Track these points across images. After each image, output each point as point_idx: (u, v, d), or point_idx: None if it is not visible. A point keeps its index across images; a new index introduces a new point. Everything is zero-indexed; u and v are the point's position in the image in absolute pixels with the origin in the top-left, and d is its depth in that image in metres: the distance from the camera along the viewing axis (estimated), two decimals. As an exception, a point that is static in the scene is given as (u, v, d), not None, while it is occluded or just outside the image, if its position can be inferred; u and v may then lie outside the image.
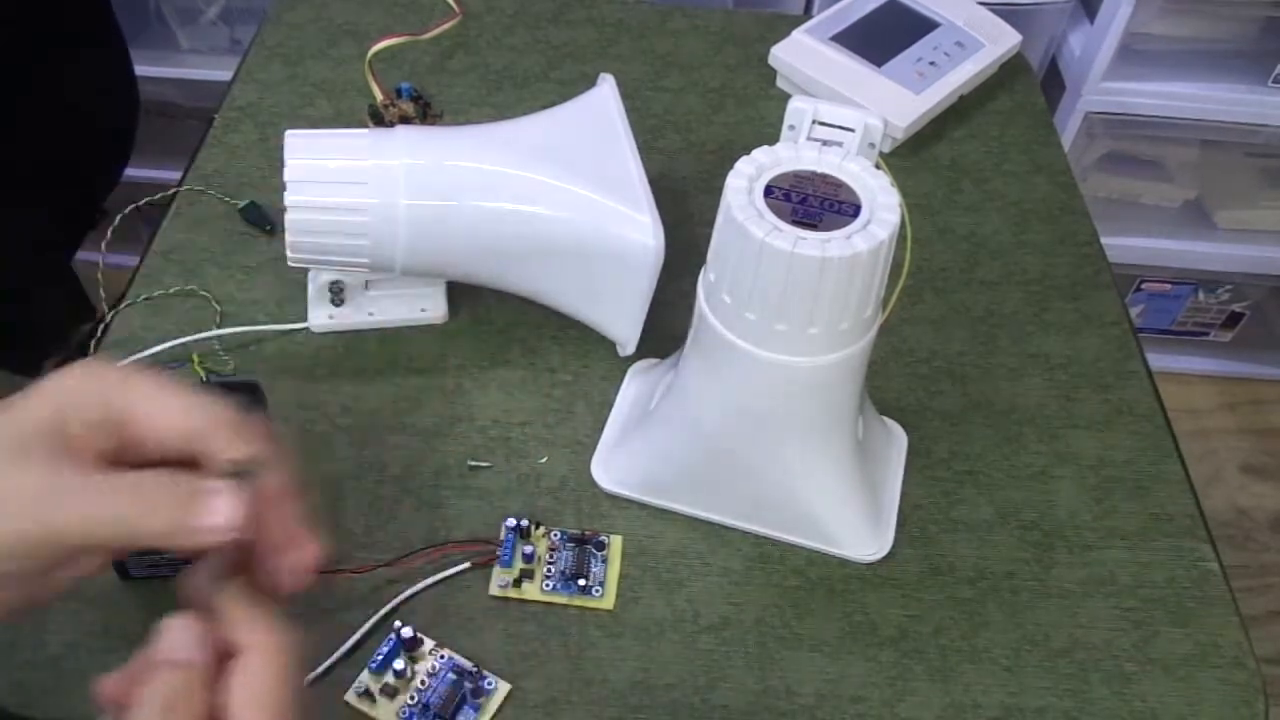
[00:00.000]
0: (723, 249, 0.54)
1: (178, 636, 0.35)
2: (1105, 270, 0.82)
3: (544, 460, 0.67)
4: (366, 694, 0.56)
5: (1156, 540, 0.66)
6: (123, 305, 0.73)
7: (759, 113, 0.92)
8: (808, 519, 0.63)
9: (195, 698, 0.34)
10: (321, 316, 0.72)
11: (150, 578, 0.59)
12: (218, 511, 0.36)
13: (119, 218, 0.78)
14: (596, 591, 0.61)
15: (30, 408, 0.36)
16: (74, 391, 0.37)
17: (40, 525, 0.35)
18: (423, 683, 0.56)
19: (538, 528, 0.63)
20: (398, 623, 0.57)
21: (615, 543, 0.63)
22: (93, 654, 0.57)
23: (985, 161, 0.90)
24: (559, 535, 0.63)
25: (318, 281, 0.73)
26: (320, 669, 0.57)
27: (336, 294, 0.72)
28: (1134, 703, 0.59)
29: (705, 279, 0.57)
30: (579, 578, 0.61)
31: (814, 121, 0.62)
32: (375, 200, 0.64)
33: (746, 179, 0.53)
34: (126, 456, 0.37)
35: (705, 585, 0.62)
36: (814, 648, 0.60)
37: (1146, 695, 0.59)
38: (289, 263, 0.66)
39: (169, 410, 0.37)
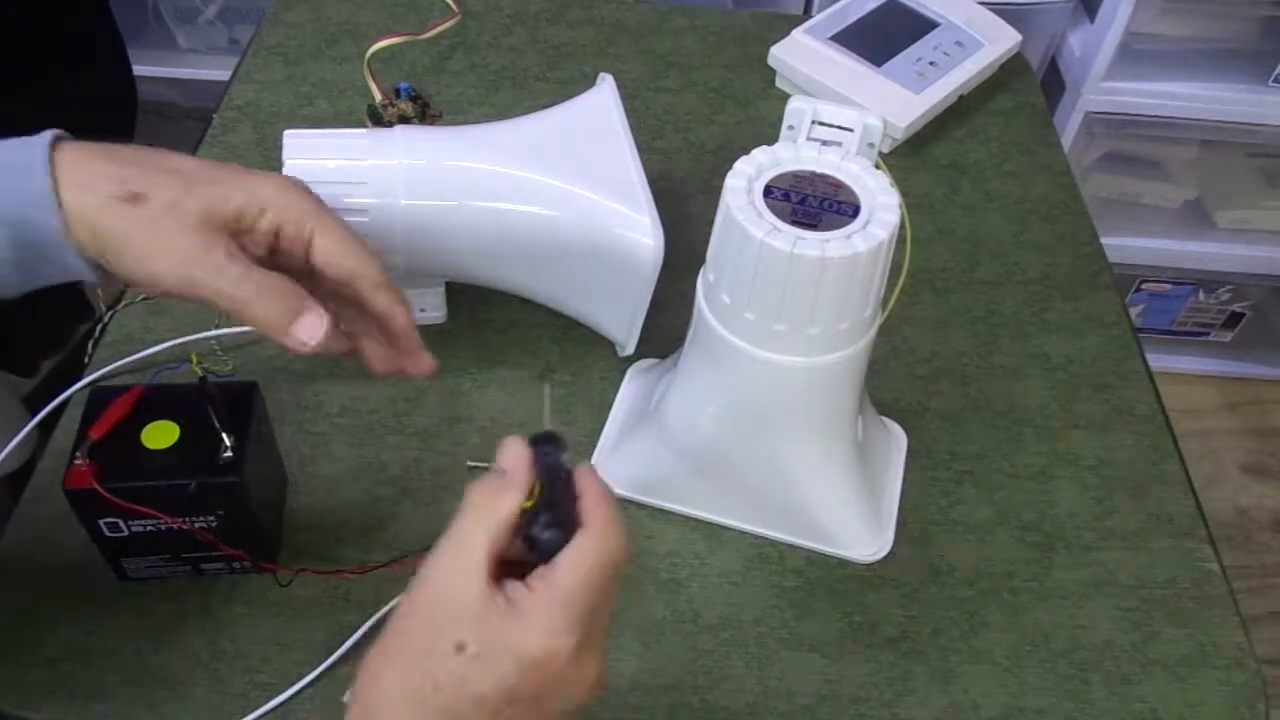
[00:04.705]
0: (722, 249, 0.53)
1: (510, 452, 0.42)
2: (1105, 270, 0.82)
3: (543, 461, 0.67)
4: (365, 695, 0.55)
5: (1157, 540, 0.66)
6: (121, 305, 0.73)
7: (758, 113, 0.92)
8: (807, 519, 0.63)
9: (504, 499, 0.40)
10: (320, 317, 0.72)
11: (148, 579, 0.59)
12: (304, 328, 0.49)
13: (117, 218, 0.78)
14: (596, 592, 0.60)
15: (234, 197, 0.48)
16: (283, 205, 0.49)
17: (182, 279, 0.47)
18: (421, 684, 0.56)
19: (537, 528, 0.63)
20: (396, 623, 0.57)
21: (614, 543, 0.63)
22: (91, 655, 0.57)
23: (985, 161, 0.90)
24: (558, 536, 0.62)
25: (316, 282, 0.73)
26: (320, 669, 0.57)
27: (335, 294, 0.72)
28: (1134, 703, 0.59)
29: (704, 279, 0.57)
30: (578, 578, 0.61)
31: (813, 121, 0.62)
32: (374, 200, 0.64)
33: (746, 179, 0.53)
34: (289, 263, 0.50)
35: (704, 586, 0.62)
36: (814, 648, 0.60)
37: (1147, 696, 0.59)
38: (288, 263, 0.66)
39: (344, 253, 0.51)
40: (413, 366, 0.56)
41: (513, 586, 0.40)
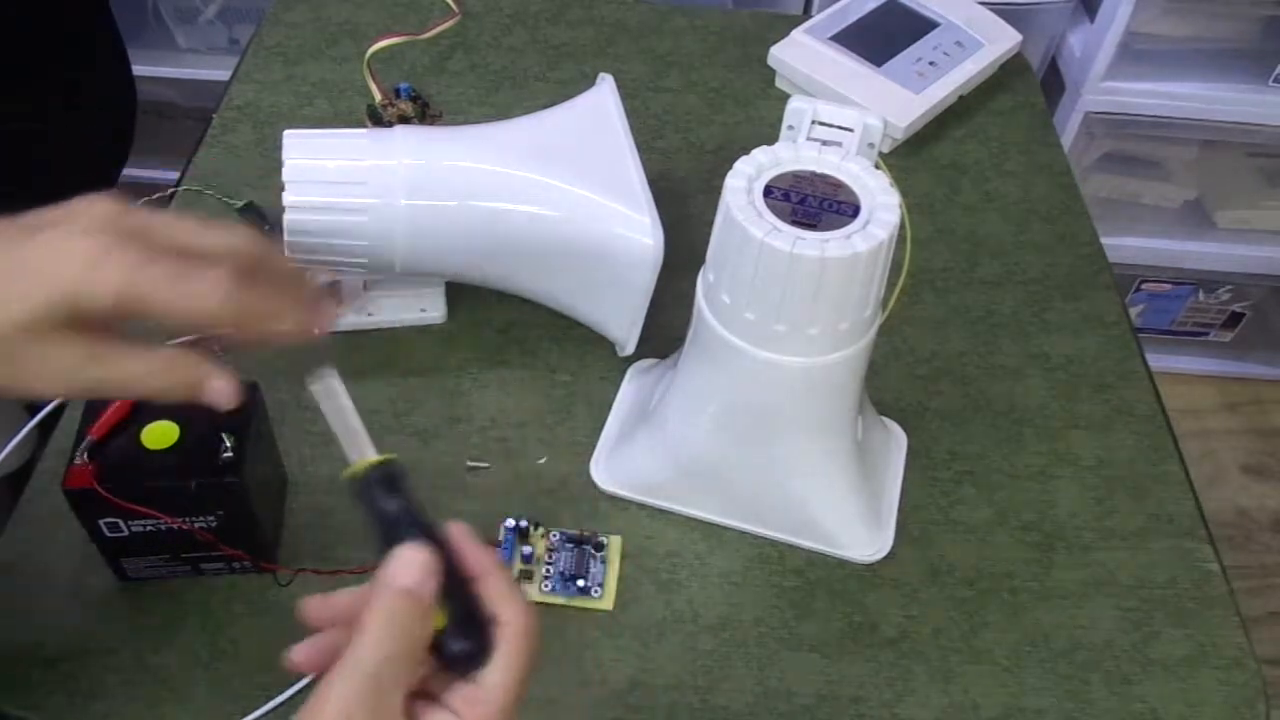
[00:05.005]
0: (722, 249, 0.53)
1: (409, 565, 0.37)
2: (1105, 270, 0.82)
3: (543, 461, 0.67)
4: (365, 695, 0.55)
5: (1157, 540, 0.66)
6: (121, 305, 0.73)
7: (758, 113, 0.92)
8: (807, 519, 0.63)
9: (422, 626, 0.36)
10: (320, 317, 0.72)
11: (148, 579, 0.59)
12: (217, 396, 0.44)
13: (117, 218, 0.78)
14: (596, 592, 0.61)
15: (39, 291, 0.40)
16: (85, 283, 0.40)
17: (84, 385, 0.42)
18: (421, 684, 0.56)
19: (536, 528, 0.63)
20: (396, 624, 0.57)
21: (614, 543, 0.63)
22: (91, 655, 0.57)
23: (985, 161, 0.90)
24: (558, 536, 0.62)
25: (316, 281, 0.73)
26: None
27: (335, 294, 0.72)
28: (1134, 704, 0.59)
29: (704, 279, 0.57)
30: (578, 578, 0.61)
31: (813, 121, 0.62)
32: (374, 200, 0.64)
33: (745, 179, 0.53)
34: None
35: (704, 586, 0.62)
36: (814, 648, 0.60)
37: (1147, 696, 0.59)
38: (287, 263, 0.66)
39: (184, 300, 0.41)
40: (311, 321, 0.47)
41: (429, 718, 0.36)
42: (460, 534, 0.39)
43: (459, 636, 0.36)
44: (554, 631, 0.59)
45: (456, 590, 0.37)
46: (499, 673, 0.36)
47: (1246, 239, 1.49)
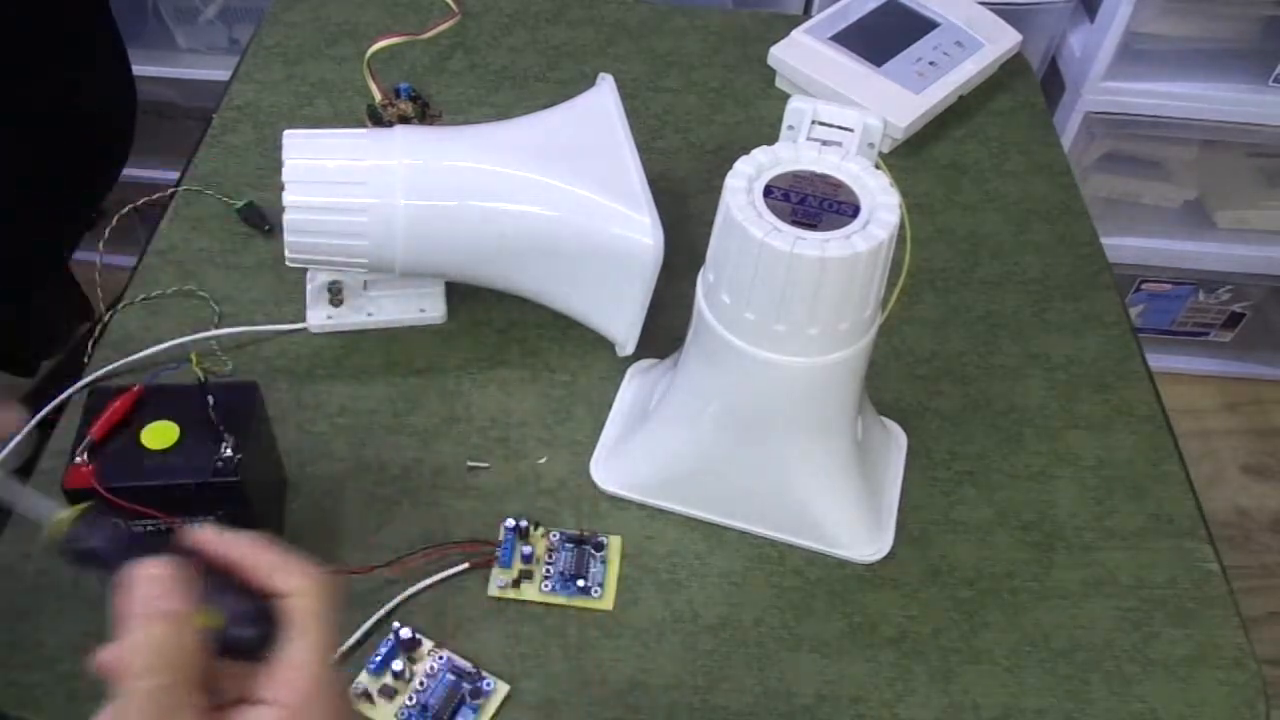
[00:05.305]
0: (722, 249, 0.53)
1: (144, 584, 0.34)
2: (1105, 270, 0.82)
3: (543, 461, 0.67)
4: (365, 695, 0.55)
5: (1156, 540, 0.66)
6: (121, 305, 0.73)
7: (758, 113, 0.92)
8: (807, 519, 0.63)
9: (183, 640, 0.33)
10: (320, 317, 0.72)
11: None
12: None
13: (117, 218, 0.78)
14: (595, 592, 0.61)
15: None
16: None
17: None
18: (421, 684, 0.56)
19: (536, 528, 0.63)
20: (396, 624, 0.57)
21: (614, 543, 0.63)
22: (90, 655, 0.57)
23: (985, 161, 0.90)
24: (558, 536, 0.62)
25: (316, 282, 0.73)
26: (319, 670, 0.57)
27: (335, 294, 0.72)
28: (1134, 704, 0.59)
29: (704, 279, 0.57)
30: (578, 578, 0.61)
31: (813, 121, 0.62)
32: (374, 200, 0.64)
33: (745, 179, 0.53)
34: None
35: (704, 586, 0.62)
36: (813, 648, 0.60)
37: (1147, 696, 0.59)
38: (287, 263, 0.66)
39: None
40: None
41: None
42: (204, 534, 0.36)
43: (240, 625, 0.35)
44: (554, 631, 0.59)
45: (219, 584, 0.35)
46: (301, 642, 0.34)
47: (1246, 239, 1.49)
